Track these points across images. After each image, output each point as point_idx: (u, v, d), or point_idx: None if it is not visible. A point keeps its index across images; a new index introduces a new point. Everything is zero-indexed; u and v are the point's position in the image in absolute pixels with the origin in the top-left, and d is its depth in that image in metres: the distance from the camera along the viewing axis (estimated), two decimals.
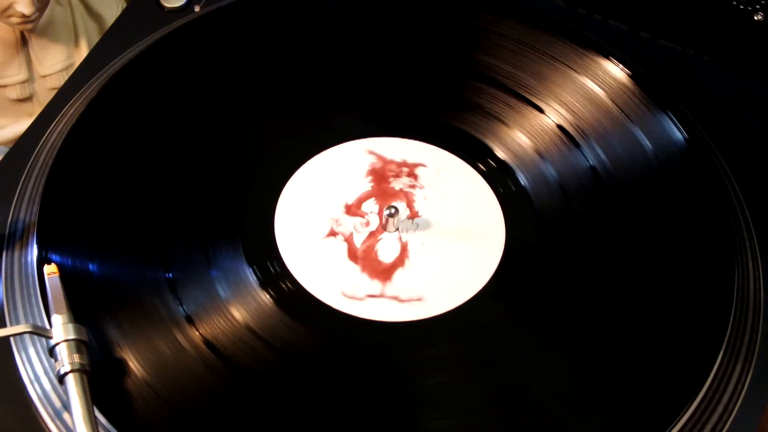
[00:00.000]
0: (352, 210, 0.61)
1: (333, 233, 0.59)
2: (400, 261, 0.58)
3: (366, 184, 0.62)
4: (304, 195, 0.61)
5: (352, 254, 0.58)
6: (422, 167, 0.63)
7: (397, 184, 0.62)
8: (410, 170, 0.62)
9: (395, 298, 0.56)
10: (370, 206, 0.61)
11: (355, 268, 0.58)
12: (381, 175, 0.62)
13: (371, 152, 0.63)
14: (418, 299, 0.56)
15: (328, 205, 0.61)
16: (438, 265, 0.58)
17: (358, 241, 0.59)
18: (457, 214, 0.61)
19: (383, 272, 0.57)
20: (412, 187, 0.62)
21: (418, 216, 0.60)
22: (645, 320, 0.55)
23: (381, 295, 0.56)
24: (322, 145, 0.64)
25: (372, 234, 0.59)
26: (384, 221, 0.59)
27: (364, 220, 0.60)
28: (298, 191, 0.61)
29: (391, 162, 0.63)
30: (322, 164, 0.63)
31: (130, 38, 0.69)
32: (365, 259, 0.58)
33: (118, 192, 0.59)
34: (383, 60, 0.69)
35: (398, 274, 0.57)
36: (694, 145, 0.62)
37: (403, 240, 0.59)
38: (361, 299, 0.56)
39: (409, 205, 0.61)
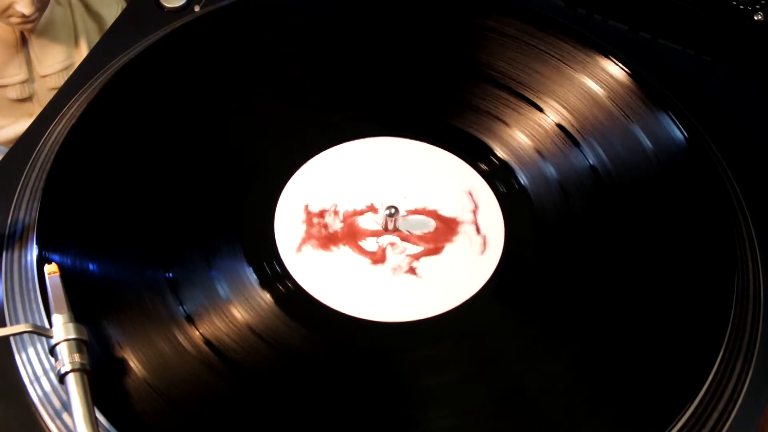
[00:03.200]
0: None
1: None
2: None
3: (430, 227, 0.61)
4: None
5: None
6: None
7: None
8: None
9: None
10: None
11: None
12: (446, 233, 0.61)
13: (470, 193, 0.62)
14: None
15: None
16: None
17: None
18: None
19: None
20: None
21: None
22: (645, 320, 0.55)
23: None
24: (322, 145, 0.64)
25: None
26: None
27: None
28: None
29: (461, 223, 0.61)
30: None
31: (130, 38, 0.69)
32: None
33: (118, 192, 0.59)
34: (383, 60, 0.69)
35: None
36: (694, 145, 0.62)
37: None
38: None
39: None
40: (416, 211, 0.61)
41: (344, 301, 0.56)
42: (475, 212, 0.61)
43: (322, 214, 0.60)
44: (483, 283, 0.57)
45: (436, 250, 0.59)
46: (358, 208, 0.60)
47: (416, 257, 0.59)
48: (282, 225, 0.59)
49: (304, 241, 0.58)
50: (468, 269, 0.58)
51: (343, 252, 0.58)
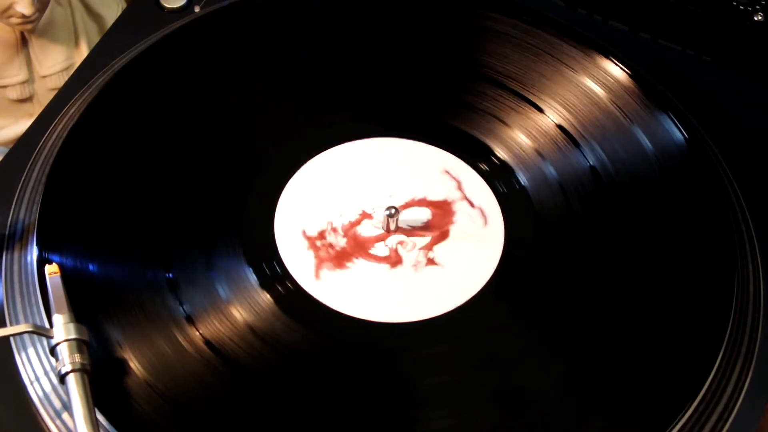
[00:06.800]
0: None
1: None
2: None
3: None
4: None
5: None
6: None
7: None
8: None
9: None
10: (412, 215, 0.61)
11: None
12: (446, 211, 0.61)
13: (448, 172, 0.63)
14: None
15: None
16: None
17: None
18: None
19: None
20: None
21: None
22: (645, 320, 0.55)
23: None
24: (322, 145, 0.64)
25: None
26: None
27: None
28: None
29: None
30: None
31: (130, 38, 0.69)
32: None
33: (119, 192, 0.59)
34: (383, 60, 0.69)
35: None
36: (694, 146, 0.62)
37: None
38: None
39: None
40: (407, 205, 0.61)
41: (344, 301, 0.56)
42: (460, 188, 0.62)
43: (322, 235, 0.59)
44: (483, 283, 0.57)
45: (443, 235, 0.59)
46: (352, 218, 0.60)
47: (429, 247, 0.59)
48: (282, 225, 0.59)
49: (318, 267, 0.57)
50: (480, 243, 0.58)
51: (359, 264, 0.58)
